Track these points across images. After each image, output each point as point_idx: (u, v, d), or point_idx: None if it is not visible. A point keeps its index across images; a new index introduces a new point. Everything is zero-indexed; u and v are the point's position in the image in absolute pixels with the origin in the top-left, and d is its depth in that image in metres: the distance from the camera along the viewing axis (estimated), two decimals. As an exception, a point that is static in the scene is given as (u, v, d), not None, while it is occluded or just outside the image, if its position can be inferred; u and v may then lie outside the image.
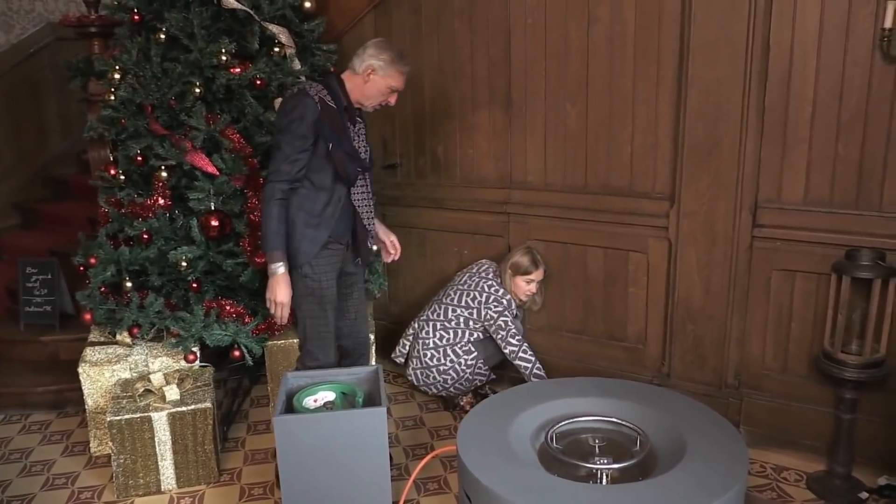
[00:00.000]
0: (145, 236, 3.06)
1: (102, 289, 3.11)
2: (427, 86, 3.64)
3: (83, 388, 3.06)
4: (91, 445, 3.14)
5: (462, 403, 3.43)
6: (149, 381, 2.95)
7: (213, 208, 3.05)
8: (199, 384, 2.99)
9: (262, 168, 3.09)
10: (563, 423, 2.28)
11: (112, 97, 3.12)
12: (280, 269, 2.58)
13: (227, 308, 3.09)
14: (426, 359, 3.35)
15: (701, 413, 2.31)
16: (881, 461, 2.74)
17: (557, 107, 3.27)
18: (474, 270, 3.46)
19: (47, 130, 5.29)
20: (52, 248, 4.32)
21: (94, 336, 3.22)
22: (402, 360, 3.52)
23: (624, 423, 2.27)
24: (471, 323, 3.33)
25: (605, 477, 2.06)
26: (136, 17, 3.16)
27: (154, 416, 2.79)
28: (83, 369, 3.04)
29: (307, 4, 3.38)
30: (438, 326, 3.36)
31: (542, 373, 3.20)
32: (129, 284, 3.07)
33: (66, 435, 3.37)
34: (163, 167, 3.06)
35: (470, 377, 3.33)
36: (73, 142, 5.26)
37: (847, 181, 2.69)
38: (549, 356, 3.37)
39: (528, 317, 3.55)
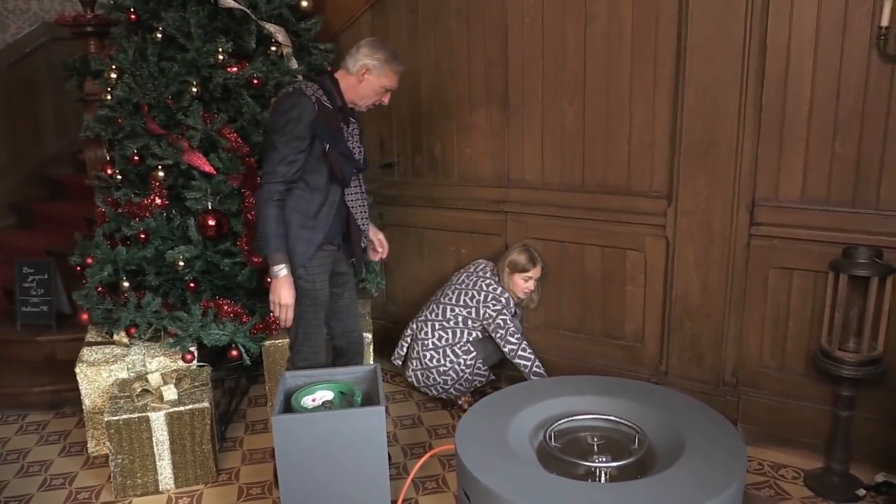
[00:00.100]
0: (142, 236, 3.05)
1: (99, 289, 3.10)
2: (424, 85, 3.64)
3: (80, 388, 3.06)
4: (88, 445, 3.14)
5: (460, 402, 3.43)
6: (146, 381, 2.95)
7: (210, 208, 3.05)
8: (196, 384, 2.98)
9: (259, 167, 3.08)
10: (562, 421, 2.28)
11: (108, 97, 3.12)
12: (283, 271, 2.54)
13: (225, 308, 3.08)
14: (426, 360, 3.34)
15: (699, 411, 2.31)
16: (878, 458, 2.75)
17: (555, 106, 3.27)
18: (472, 270, 3.46)
19: (43, 130, 5.28)
20: (48, 248, 4.31)
21: (91, 336, 3.21)
22: (401, 363, 3.52)
23: (622, 421, 2.26)
24: (469, 322, 3.33)
25: (603, 475, 2.06)
26: (133, 17, 3.15)
27: (152, 416, 2.79)
28: (80, 369, 3.04)
29: (304, 3, 3.38)
30: (437, 327, 3.36)
31: (541, 370, 3.21)
32: (126, 284, 3.06)
33: (63, 435, 3.37)
34: (160, 167, 3.05)
35: (469, 377, 3.33)
36: (69, 141, 5.24)
37: (844, 179, 2.70)
38: (546, 355, 3.38)
39: (526, 315, 3.55)
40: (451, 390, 3.36)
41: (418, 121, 3.71)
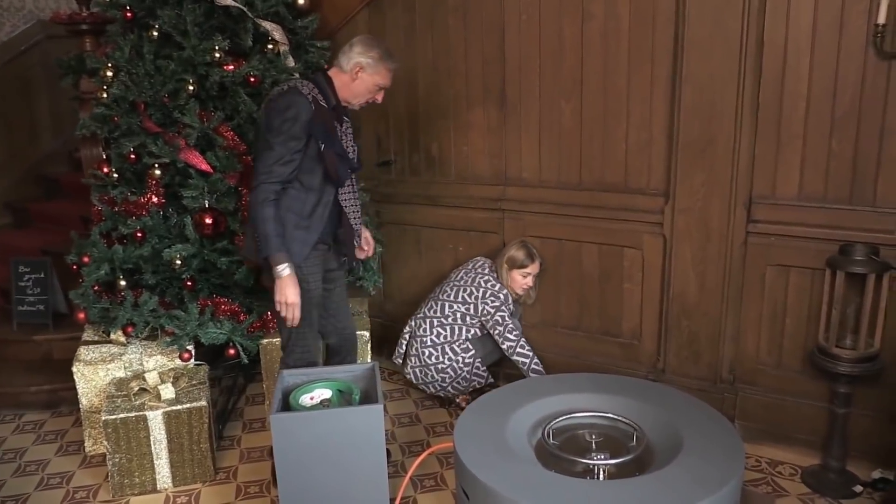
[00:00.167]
0: (139, 234, 3.04)
1: (96, 287, 3.09)
2: (421, 83, 3.64)
3: (77, 387, 3.05)
4: (86, 445, 3.13)
5: (458, 401, 3.43)
6: (144, 379, 2.94)
7: (206, 206, 3.04)
8: (194, 383, 2.98)
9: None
10: (560, 419, 2.28)
11: (105, 95, 3.11)
12: (286, 270, 2.50)
13: (222, 306, 3.08)
14: (424, 357, 3.34)
15: (697, 408, 2.31)
16: (875, 455, 2.76)
17: (552, 104, 3.27)
18: (470, 266, 3.46)
19: (38, 129, 5.26)
20: (44, 247, 4.30)
21: (87, 335, 3.20)
22: (401, 361, 3.52)
23: (620, 418, 2.27)
24: (468, 319, 3.33)
25: (602, 473, 2.06)
26: (129, 15, 3.14)
27: (149, 414, 2.78)
28: (77, 368, 3.03)
29: (300, 1, 3.37)
30: (435, 323, 3.36)
31: (540, 367, 3.21)
32: (123, 283, 3.05)
33: (60, 434, 3.36)
34: (156, 165, 3.04)
35: (468, 376, 3.33)
36: (65, 140, 5.22)
37: (841, 177, 2.71)
38: (544, 352, 3.38)
39: (524, 313, 3.55)
40: (449, 388, 3.36)
41: (415, 119, 3.71)
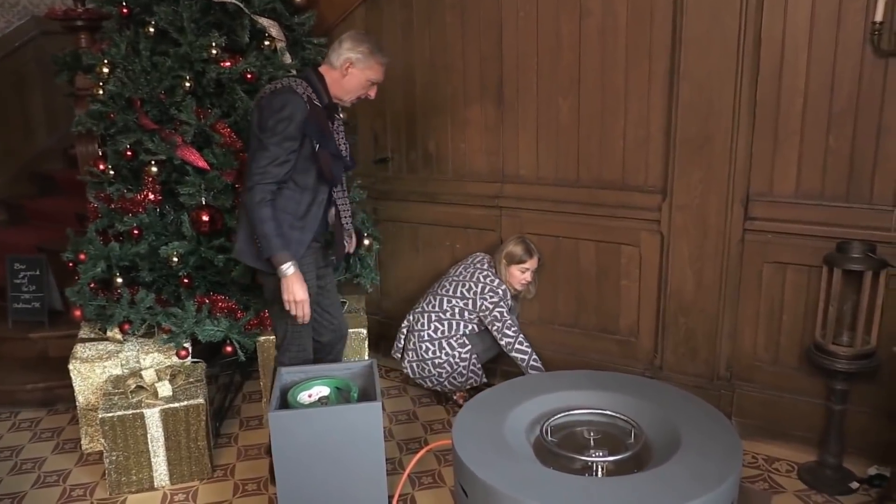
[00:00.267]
0: (135, 232, 3.03)
1: (92, 285, 3.08)
2: (418, 80, 3.63)
3: (74, 384, 3.04)
4: (82, 442, 3.12)
5: (455, 398, 3.44)
6: (140, 377, 2.94)
7: (203, 203, 3.03)
8: (191, 380, 2.97)
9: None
10: (558, 416, 2.29)
11: (100, 91, 3.09)
12: (290, 268, 2.48)
13: (219, 303, 3.07)
14: (421, 351, 3.34)
15: (694, 405, 2.32)
16: (871, 451, 2.76)
17: (549, 101, 3.26)
18: (469, 262, 3.46)
19: (33, 125, 5.24)
20: (39, 244, 4.28)
21: (84, 332, 3.19)
22: (399, 355, 3.51)
23: (618, 415, 2.28)
24: (466, 314, 3.33)
25: (600, 470, 2.07)
26: (125, 11, 3.13)
27: (146, 412, 2.78)
28: (74, 366, 3.02)
29: (297, -2, 3.36)
30: (433, 318, 3.35)
31: (538, 364, 3.21)
32: (119, 280, 3.04)
33: (56, 432, 3.35)
34: (153, 162, 3.03)
35: (464, 372, 3.33)
36: (60, 137, 5.20)
37: (838, 174, 2.71)
38: (542, 350, 3.37)
39: (521, 310, 3.55)
40: (446, 383, 3.36)
41: (412, 116, 3.70)
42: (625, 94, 3.07)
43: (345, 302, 3.56)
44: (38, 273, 3.78)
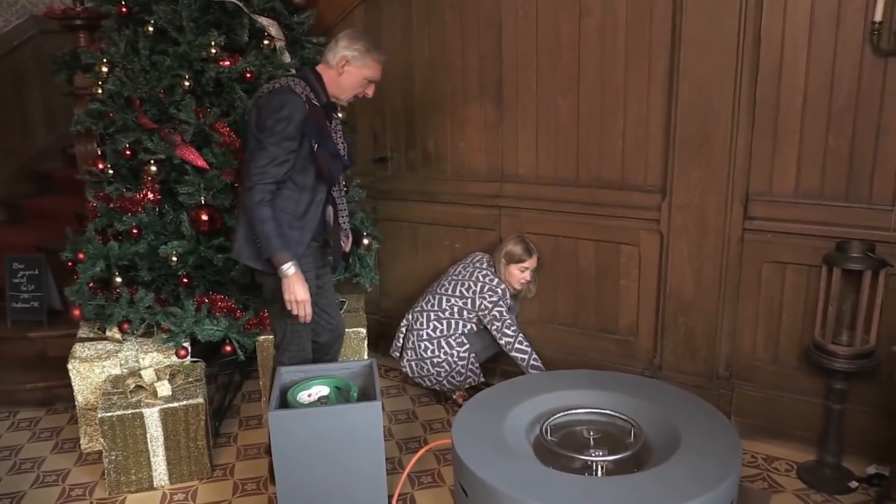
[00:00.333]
0: (135, 231, 3.02)
1: (91, 284, 3.08)
2: (418, 79, 3.63)
3: (73, 384, 3.04)
4: (81, 442, 3.12)
5: (454, 397, 3.44)
6: (140, 377, 2.93)
7: (203, 203, 3.03)
8: (190, 380, 2.97)
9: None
10: (558, 415, 2.28)
11: (100, 90, 3.09)
12: (291, 268, 2.47)
13: (219, 303, 3.07)
14: (420, 350, 3.34)
15: (694, 404, 2.32)
16: (870, 451, 2.77)
17: (549, 100, 3.26)
18: (468, 261, 3.46)
19: (32, 124, 5.23)
20: (38, 243, 4.28)
21: (83, 332, 3.19)
22: (398, 354, 3.51)
23: (618, 415, 2.28)
24: (465, 313, 3.33)
25: (600, 469, 2.07)
26: (124, 10, 3.13)
27: (146, 412, 2.77)
28: (73, 365, 3.02)
29: (296, -3, 3.36)
30: (432, 317, 3.35)
31: (538, 363, 3.21)
32: (118, 280, 3.04)
33: (55, 432, 3.34)
34: (152, 161, 3.02)
35: (462, 371, 3.33)
36: (59, 136, 5.19)
37: (837, 173, 2.71)
38: (541, 349, 3.37)
39: (521, 310, 3.55)
40: (445, 382, 3.36)
41: (412, 115, 3.70)
42: (624, 94, 3.07)
43: (344, 301, 3.56)
44: (36, 272, 3.78)
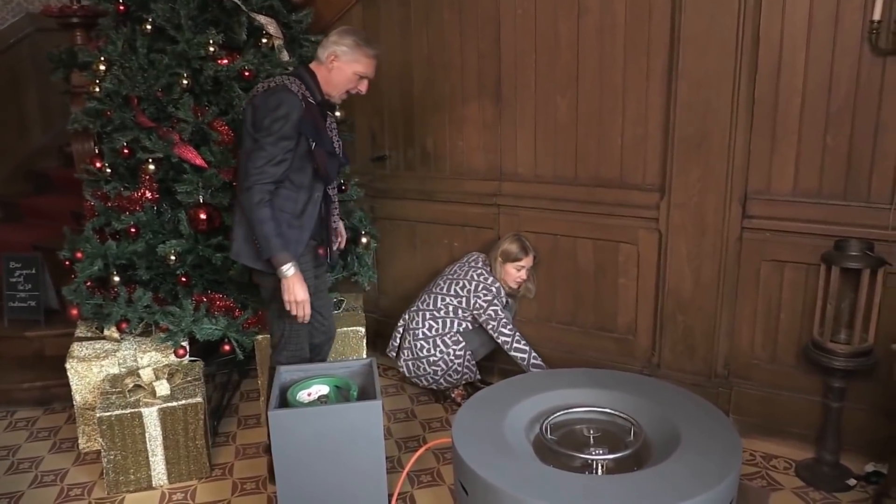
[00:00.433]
0: (133, 230, 3.01)
1: (89, 283, 3.07)
2: (416, 78, 3.63)
3: (71, 383, 3.03)
4: (79, 442, 3.11)
5: (453, 396, 3.44)
6: (138, 376, 2.93)
7: (201, 201, 3.02)
8: (189, 379, 2.96)
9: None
10: (557, 414, 2.29)
11: (97, 89, 3.08)
12: (291, 269, 2.46)
13: (217, 302, 3.06)
14: (416, 349, 3.35)
15: (693, 403, 2.32)
16: (869, 449, 2.78)
17: (547, 99, 3.26)
18: (464, 260, 3.47)
19: (28, 123, 5.21)
20: (35, 242, 4.26)
21: (81, 331, 3.18)
22: (395, 354, 3.51)
23: (618, 413, 2.28)
24: (460, 312, 3.33)
25: (600, 467, 2.07)
26: (122, 8, 3.11)
27: (144, 411, 2.77)
28: (71, 365, 3.01)
29: (295, -5, 3.35)
30: (428, 316, 3.35)
31: (539, 361, 3.21)
32: (116, 279, 3.03)
33: (53, 431, 3.34)
34: (150, 160, 3.02)
35: (459, 369, 3.33)
36: (55, 134, 5.17)
37: (836, 172, 2.72)
38: (539, 348, 3.37)
39: (520, 309, 3.55)
40: (441, 381, 3.36)
41: (410, 114, 3.70)
42: (623, 92, 3.07)
43: (342, 300, 3.55)
44: (34, 271, 3.77)
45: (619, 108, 3.10)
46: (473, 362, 3.36)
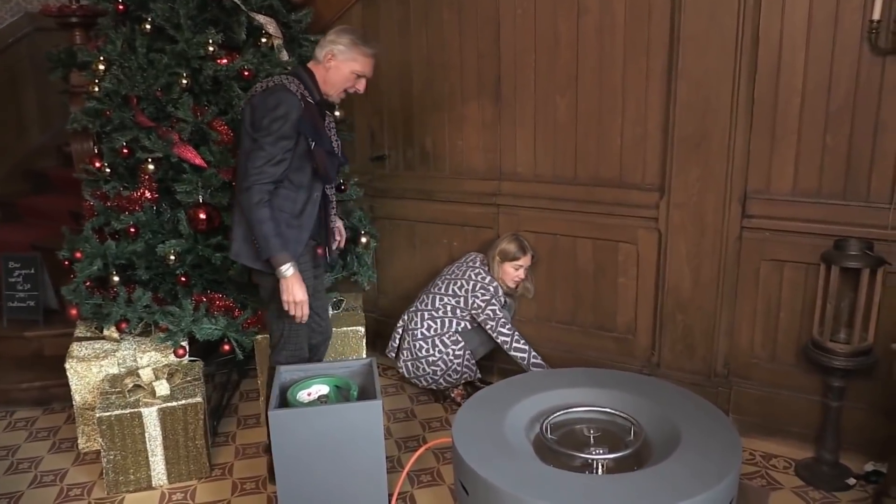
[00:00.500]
0: (132, 230, 3.01)
1: (88, 283, 3.06)
2: (416, 77, 3.62)
3: (70, 383, 3.02)
4: (79, 442, 3.10)
5: (453, 395, 3.44)
6: (138, 376, 2.92)
7: (200, 201, 3.02)
8: (188, 379, 2.96)
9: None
10: (558, 413, 2.29)
11: (96, 88, 3.07)
12: (290, 270, 2.46)
13: (217, 302, 3.06)
14: (415, 350, 3.35)
15: (693, 403, 2.33)
16: (868, 448, 2.78)
17: (547, 98, 3.26)
18: (462, 260, 3.47)
19: (26, 122, 5.21)
20: (33, 242, 4.25)
21: (80, 331, 3.18)
22: (394, 354, 3.51)
23: (618, 413, 2.28)
24: (458, 311, 3.33)
25: (601, 467, 2.08)
26: (121, 7, 3.11)
27: (144, 411, 2.77)
28: (70, 365, 3.00)
29: (294, -5, 3.35)
30: (426, 316, 3.36)
31: (539, 360, 3.21)
32: (116, 279, 3.03)
33: (52, 431, 3.33)
34: (149, 159, 3.01)
35: (458, 368, 3.33)
36: (53, 134, 5.17)
37: (835, 172, 2.72)
38: (539, 347, 3.37)
39: (519, 308, 3.55)
40: (441, 381, 3.36)
41: (410, 113, 3.69)
42: (622, 92, 3.07)
43: (342, 300, 3.55)
44: (32, 271, 3.76)
45: (618, 108, 3.10)
46: (473, 361, 3.36)
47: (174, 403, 2.80)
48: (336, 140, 2.72)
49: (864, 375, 2.72)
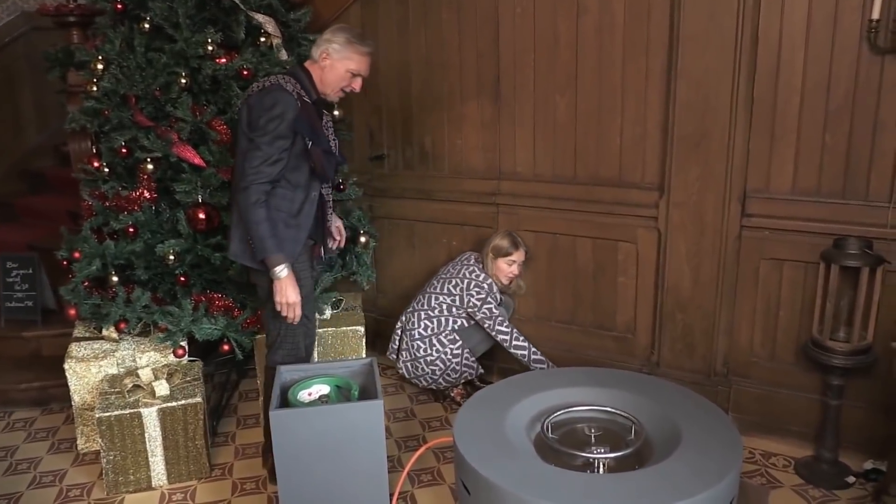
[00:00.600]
0: (131, 230, 3.00)
1: (86, 283, 3.06)
2: (415, 77, 3.62)
3: (69, 384, 3.01)
4: (78, 442, 3.09)
5: (453, 395, 3.44)
6: (137, 376, 2.92)
7: (200, 201, 3.01)
8: (188, 379, 2.95)
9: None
10: (558, 413, 2.29)
11: (94, 88, 3.07)
12: (284, 271, 2.46)
13: (216, 301, 3.05)
14: (414, 350, 3.35)
15: (694, 401, 2.33)
16: (867, 446, 2.79)
17: (546, 98, 3.26)
18: (457, 259, 3.48)
19: (23, 122, 5.19)
20: (30, 242, 4.25)
21: (79, 331, 3.17)
22: (395, 356, 3.51)
23: (618, 412, 2.28)
24: (454, 310, 3.33)
25: (602, 466, 2.08)
26: (119, 6, 3.10)
27: (144, 411, 2.76)
28: (69, 365, 3.00)
29: (293, -6, 3.34)
30: (423, 316, 3.36)
31: (539, 355, 3.22)
32: (114, 279, 3.02)
33: (51, 432, 3.32)
34: (148, 159, 3.01)
35: (458, 367, 3.33)
36: (50, 134, 5.16)
37: (834, 171, 2.73)
38: (538, 346, 3.36)
39: (518, 307, 3.55)
40: (441, 380, 3.36)
41: (409, 113, 3.69)
42: (622, 92, 3.08)
43: (341, 300, 3.54)
44: (30, 271, 3.76)
45: (618, 108, 3.10)
46: (473, 359, 3.36)
47: (174, 403, 2.80)
48: (334, 139, 2.71)
49: (864, 374, 2.73)
